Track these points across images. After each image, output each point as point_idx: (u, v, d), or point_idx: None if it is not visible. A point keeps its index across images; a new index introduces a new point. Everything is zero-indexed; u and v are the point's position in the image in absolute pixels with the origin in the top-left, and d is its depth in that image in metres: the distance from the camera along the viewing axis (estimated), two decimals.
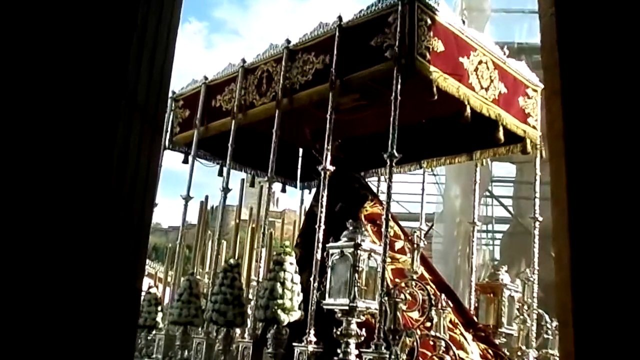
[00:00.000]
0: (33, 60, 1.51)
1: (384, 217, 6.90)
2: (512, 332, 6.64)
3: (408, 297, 4.73)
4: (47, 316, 1.46)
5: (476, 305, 7.01)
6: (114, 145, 1.64)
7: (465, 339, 5.72)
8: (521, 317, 6.61)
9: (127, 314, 1.76)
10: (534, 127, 6.90)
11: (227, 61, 8.05)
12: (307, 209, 8.21)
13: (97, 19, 1.60)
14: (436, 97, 5.52)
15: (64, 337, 1.48)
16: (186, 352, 6.37)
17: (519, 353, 6.44)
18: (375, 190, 8.56)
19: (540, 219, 7.22)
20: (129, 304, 1.78)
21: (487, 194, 15.29)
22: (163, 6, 1.85)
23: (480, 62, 6.20)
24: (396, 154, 5.26)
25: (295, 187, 9.50)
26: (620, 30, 1.82)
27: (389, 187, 5.26)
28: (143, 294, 6.89)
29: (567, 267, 1.76)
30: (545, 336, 6.83)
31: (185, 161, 8.73)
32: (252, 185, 9.32)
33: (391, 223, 6.81)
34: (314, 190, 9.45)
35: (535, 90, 6.98)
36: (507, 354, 6.32)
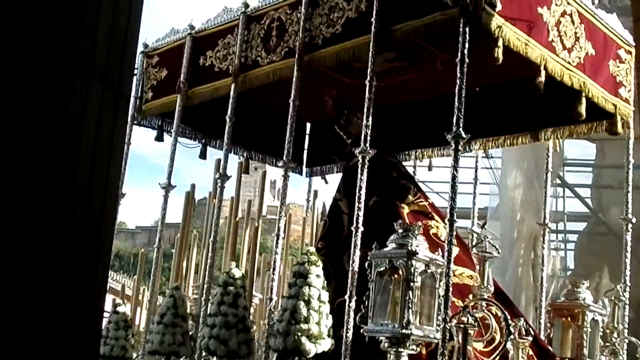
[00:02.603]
0: None
1: (431, 214, 7.25)
2: None
3: (472, 322, 4.92)
4: None
5: (549, 331, 7.16)
6: (67, 116, 1.65)
7: None
8: (611, 347, 6.82)
9: (82, 345, 1.74)
10: (626, 101, 7.11)
11: (220, 5, 8.17)
12: (328, 205, 8.42)
13: None
14: (501, 62, 5.65)
15: None
16: None
17: None
18: None
19: (634, 219, 7.44)
20: (85, 331, 1.77)
21: (558, 181, 15.51)
22: None
23: (563, 14, 6.37)
24: (464, 135, 5.41)
25: (300, 173, 9.73)
26: None
27: (454, 178, 5.43)
28: (107, 314, 7.04)
29: None
30: None
31: (160, 138, 8.94)
32: (246, 171, 9.59)
33: (440, 224, 7.11)
34: (322, 178, 9.72)
35: (630, 52, 7.18)
36: None
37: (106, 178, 1.84)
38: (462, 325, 4.72)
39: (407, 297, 4.91)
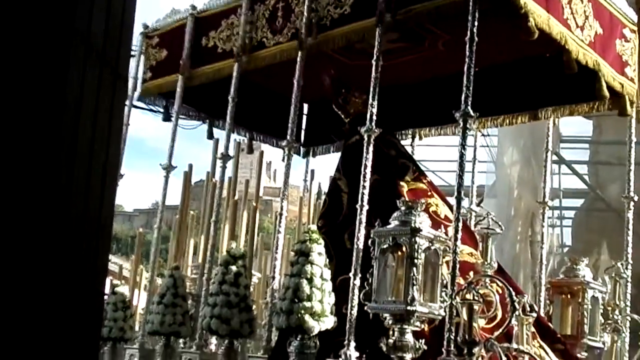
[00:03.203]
0: None
1: (430, 193, 7.28)
2: (597, 344, 6.84)
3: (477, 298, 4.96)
4: None
5: (548, 308, 7.22)
6: (64, 96, 1.62)
7: (547, 353, 6.02)
8: (613, 324, 6.86)
9: (84, 326, 1.75)
10: (632, 80, 7.12)
11: None
12: (324, 185, 8.46)
13: None
14: (536, 36, 5.72)
15: None
16: None
17: None
18: None
19: (636, 198, 7.45)
20: (88, 313, 1.77)
21: (555, 158, 15.55)
22: None
23: None
24: (472, 113, 5.47)
25: (298, 153, 9.75)
26: None
27: (462, 156, 5.48)
28: (106, 296, 7.06)
29: None
30: None
31: (167, 118, 8.95)
32: (250, 151, 9.64)
33: (440, 202, 7.16)
34: (321, 158, 9.76)
35: (634, 32, 7.19)
36: None
37: (105, 160, 1.83)
38: (466, 302, 4.74)
39: (411, 274, 4.93)
